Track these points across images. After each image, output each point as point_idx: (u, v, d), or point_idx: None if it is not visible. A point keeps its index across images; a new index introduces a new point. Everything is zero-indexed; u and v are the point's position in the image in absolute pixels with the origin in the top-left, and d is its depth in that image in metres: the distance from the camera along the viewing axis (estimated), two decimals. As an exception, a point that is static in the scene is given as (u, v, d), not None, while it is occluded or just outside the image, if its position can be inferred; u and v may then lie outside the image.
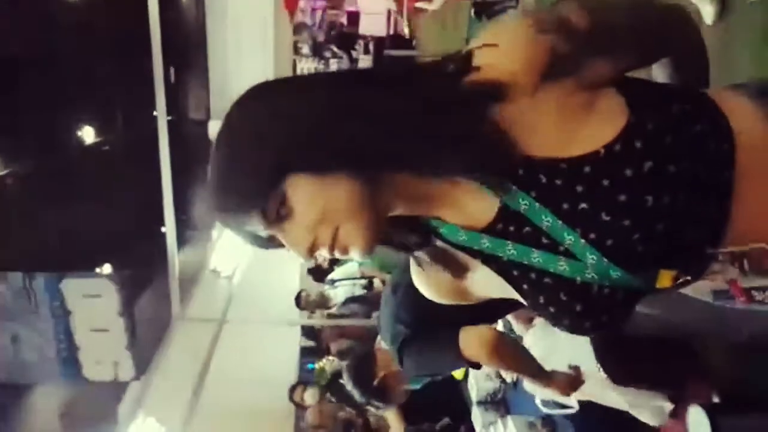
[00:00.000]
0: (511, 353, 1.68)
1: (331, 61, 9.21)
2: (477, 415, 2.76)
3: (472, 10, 2.89)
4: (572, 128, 0.80)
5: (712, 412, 1.03)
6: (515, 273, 0.86)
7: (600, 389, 1.62)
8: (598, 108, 0.81)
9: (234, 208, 0.77)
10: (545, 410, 1.96)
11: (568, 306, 0.84)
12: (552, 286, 0.84)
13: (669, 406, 1.35)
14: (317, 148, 0.75)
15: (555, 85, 0.79)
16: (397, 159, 0.78)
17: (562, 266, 0.83)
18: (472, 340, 1.59)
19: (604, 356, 1.08)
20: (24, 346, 3.99)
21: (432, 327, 1.58)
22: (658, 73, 0.95)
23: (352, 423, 4.09)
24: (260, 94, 0.81)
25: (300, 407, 4.67)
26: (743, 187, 0.82)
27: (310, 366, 6.57)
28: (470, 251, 0.86)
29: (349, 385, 2.24)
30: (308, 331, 6.78)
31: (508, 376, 2.54)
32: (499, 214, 0.83)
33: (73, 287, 3.93)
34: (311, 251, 0.79)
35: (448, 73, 0.81)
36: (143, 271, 4.61)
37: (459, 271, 0.90)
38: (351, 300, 5.37)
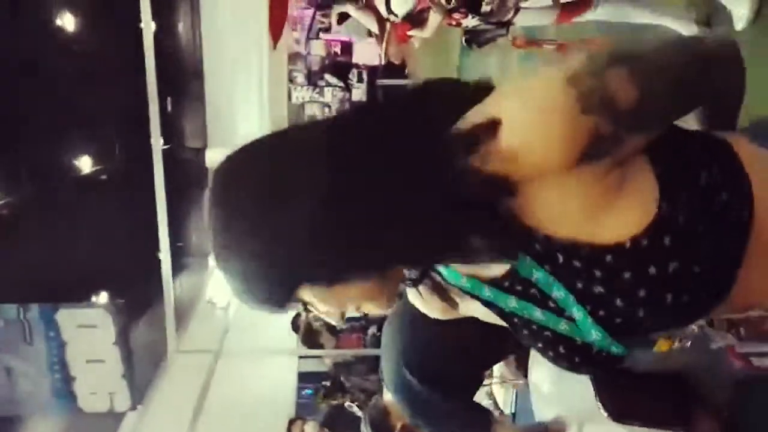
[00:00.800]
0: None
1: (326, 89, 9.29)
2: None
3: (463, 39, 2.91)
4: (599, 213, 0.73)
5: None
6: (515, 320, 0.84)
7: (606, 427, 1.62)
8: (628, 189, 0.73)
9: (254, 304, 0.76)
10: None
11: (567, 357, 0.83)
12: (552, 339, 0.83)
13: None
14: (322, 264, 0.70)
15: (588, 168, 0.71)
16: (407, 258, 0.76)
17: (564, 327, 0.81)
18: None
19: (602, 393, 1.07)
20: (18, 379, 3.94)
21: (442, 379, 1.52)
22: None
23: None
24: (249, 176, 0.72)
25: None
26: (751, 255, 0.77)
27: (308, 392, 6.52)
28: (470, 294, 0.85)
29: None
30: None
31: (507, 409, 2.51)
32: (508, 274, 0.80)
33: (68, 318, 3.89)
34: (342, 319, 0.82)
35: (462, 154, 0.69)
36: (139, 300, 4.58)
37: (454, 305, 0.89)
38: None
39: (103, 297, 5.02)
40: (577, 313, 0.78)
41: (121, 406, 3.97)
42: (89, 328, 3.92)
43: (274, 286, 0.73)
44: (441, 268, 0.85)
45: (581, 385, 1.59)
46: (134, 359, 3.99)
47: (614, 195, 0.73)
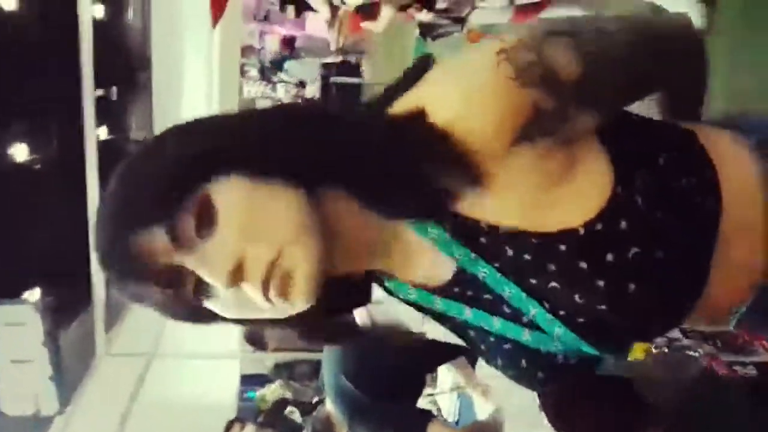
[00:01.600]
0: None
1: (279, 86, 9.12)
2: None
3: (417, 31, 2.88)
4: (547, 199, 0.66)
5: None
6: (471, 333, 0.76)
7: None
8: (578, 171, 0.67)
9: (128, 229, 0.58)
10: None
11: (529, 372, 0.75)
12: (512, 352, 0.75)
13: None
14: (253, 146, 0.62)
15: (530, 148, 0.64)
16: (338, 174, 0.65)
17: (525, 337, 0.72)
18: None
19: (546, 401, 1.02)
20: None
21: (382, 387, 1.48)
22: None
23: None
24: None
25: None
26: (723, 251, 0.72)
27: (250, 394, 6.35)
28: (420, 309, 0.76)
29: None
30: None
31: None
32: (455, 277, 0.72)
33: (-4, 315, 3.70)
34: (235, 276, 0.59)
35: (393, 139, 0.65)
36: (72, 298, 4.37)
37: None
38: None
39: (35, 294, 4.78)
40: (534, 309, 0.70)
41: (47, 409, 3.77)
42: (17, 326, 3.73)
43: (181, 166, 0.59)
44: (387, 284, 0.75)
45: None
46: (63, 360, 3.80)
47: (563, 177, 0.66)
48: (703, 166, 0.73)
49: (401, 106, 0.66)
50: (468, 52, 0.69)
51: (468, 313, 0.73)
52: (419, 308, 0.76)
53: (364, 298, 0.76)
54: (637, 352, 0.74)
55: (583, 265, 0.67)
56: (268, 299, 0.61)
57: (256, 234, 0.60)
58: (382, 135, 0.65)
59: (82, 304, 4.57)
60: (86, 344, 4.30)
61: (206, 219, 0.59)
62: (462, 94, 0.63)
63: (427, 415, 1.66)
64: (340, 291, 0.69)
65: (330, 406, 1.66)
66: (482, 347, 0.77)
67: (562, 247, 0.67)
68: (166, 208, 0.59)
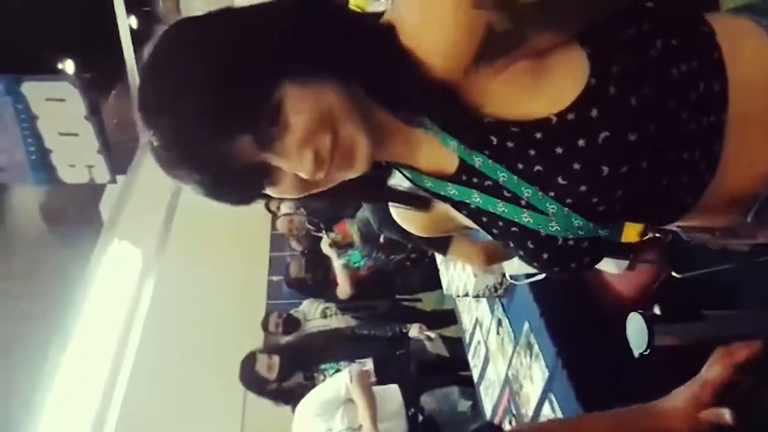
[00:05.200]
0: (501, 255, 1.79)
1: None
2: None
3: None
4: (521, 94, 0.71)
5: (650, 320, 1.10)
6: (484, 219, 0.84)
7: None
8: (552, 68, 0.70)
9: (211, 140, 0.67)
10: (515, 282, 2.09)
11: (536, 253, 0.83)
12: (519, 234, 0.83)
13: (625, 261, 1.46)
14: (303, 54, 0.69)
15: (491, 66, 0.69)
16: (353, 70, 0.72)
17: (526, 218, 0.80)
18: (468, 250, 1.66)
19: None
20: (-7, 148, 3.95)
21: None
22: None
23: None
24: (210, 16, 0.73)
25: (274, 215, 4.81)
26: (735, 133, 0.74)
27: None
28: (439, 197, 0.84)
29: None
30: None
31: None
32: (460, 166, 0.79)
33: (34, 90, 3.81)
34: (317, 163, 0.71)
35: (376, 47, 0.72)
36: (105, 73, 4.42)
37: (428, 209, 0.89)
38: None
39: (68, 67, 4.84)
40: (526, 190, 0.77)
41: (100, 178, 4.04)
42: (58, 102, 3.85)
43: (255, 79, 0.67)
44: (406, 173, 0.83)
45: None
46: (108, 133, 3.97)
47: (535, 76, 0.71)
48: (708, 50, 0.73)
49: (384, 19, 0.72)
50: None
51: (477, 198, 0.81)
52: (436, 195, 0.84)
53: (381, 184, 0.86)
54: (630, 234, 0.79)
55: (559, 150, 0.73)
56: (329, 176, 0.73)
57: (317, 127, 0.70)
58: (373, 40, 0.72)
59: (117, 76, 4.63)
60: (129, 119, 4.45)
61: (281, 121, 0.69)
62: (420, 13, 0.69)
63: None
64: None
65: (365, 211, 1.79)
66: (495, 231, 0.85)
67: (538, 135, 0.73)
68: (251, 118, 0.67)
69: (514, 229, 0.82)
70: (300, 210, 4.53)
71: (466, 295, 2.39)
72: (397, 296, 4.44)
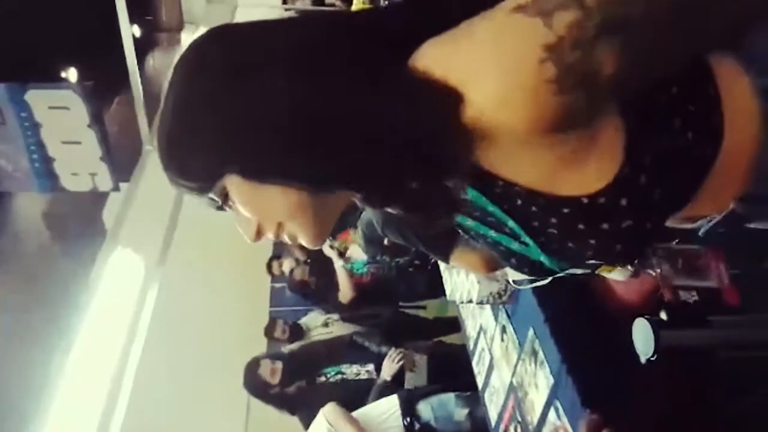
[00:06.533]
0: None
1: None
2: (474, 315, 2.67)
3: None
4: (562, 169, 0.72)
5: (656, 326, 1.10)
6: (472, 233, 0.90)
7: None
8: (594, 144, 0.70)
9: (184, 182, 0.72)
10: (518, 287, 2.05)
11: (518, 267, 0.91)
12: (505, 252, 0.89)
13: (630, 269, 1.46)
14: (254, 154, 0.67)
15: (556, 137, 0.67)
16: (354, 181, 0.70)
17: (516, 246, 0.86)
18: (470, 258, 1.66)
19: None
20: (-3, 156, 3.96)
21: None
22: None
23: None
24: (223, 50, 0.69)
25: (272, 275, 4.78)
26: (709, 182, 0.79)
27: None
28: None
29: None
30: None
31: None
32: (467, 202, 0.82)
33: (38, 98, 3.82)
34: (257, 238, 0.76)
35: (417, 97, 0.64)
36: (108, 81, 4.43)
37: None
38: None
39: (71, 75, 4.85)
40: (529, 241, 0.82)
41: (103, 186, 4.05)
42: (61, 110, 3.86)
43: (205, 159, 0.69)
44: None
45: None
46: (111, 141, 3.98)
47: (582, 156, 0.71)
48: (713, 116, 0.76)
49: (431, 59, 0.64)
50: (514, 24, 0.61)
51: (469, 222, 0.86)
52: None
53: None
54: (605, 271, 0.93)
55: (581, 226, 0.76)
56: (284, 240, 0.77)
57: (259, 215, 0.74)
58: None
59: (120, 84, 4.65)
60: (132, 125, 4.46)
61: (229, 201, 0.73)
62: (498, 87, 0.60)
63: (455, 238, 1.74)
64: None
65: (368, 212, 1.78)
66: (480, 241, 0.91)
67: (566, 210, 0.75)
68: (203, 186, 0.72)
69: (501, 248, 0.87)
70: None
71: (470, 301, 2.38)
72: (401, 303, 4.43)
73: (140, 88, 4.04)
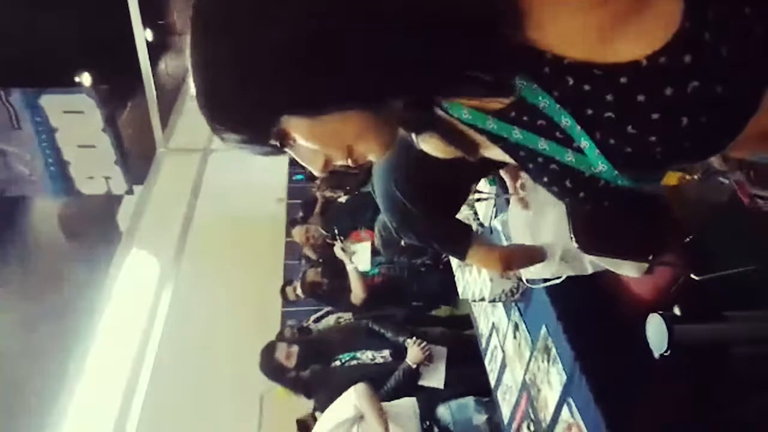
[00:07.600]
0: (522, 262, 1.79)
1: None
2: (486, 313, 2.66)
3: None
4: (615, 31, 0.66)
5: (670, 321, 1.09)
6: (522, 153, 0.81)
7: (580, 261, 1.73)
8: (648, 4, 0.65)
9: (234, 135, 0.70)
10: (531, 286, 2.07)
11: (572, 191, 0.81)
12: (558, 172, 0.80)
13: (645, 264, 1.45)
14: (308, 90, 0.66)
15: None
16: (400, 88, 0.68)
17: (570, 159, 0.77)
18: (486, 257, 1.66)
19: (576, 225, 1.09)
20: (12, 159, 4.01)
21: (428, 200, 1.55)
22: None
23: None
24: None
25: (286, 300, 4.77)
26: None
27: (298, 177, 6.70)
28: (475, 128, 0.81)
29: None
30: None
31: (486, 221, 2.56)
32: (513, 104, 0.75)
33: (53, 103, 3.86)
34: (325, 169, 0.75)
35: None
36: (122, 85, 4.47)
37: (474, 149, 0.85)
38: None
39: (85, 79, 4.89)
40: (585, 142, 0.74)
41: (118, 189, 4.09)
42: (76, 114, 3.90)
43: (255, 108, 0.67)
44: (444, 104, 0.80)
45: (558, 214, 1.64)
46: (125, 145, 4.02)
47: (633, 10, 0.66)
48: None
49: None
50: None
51: (517, 134, 0.78)
52: (473, 126, 0.81)
53: (430, 119, 0.83)
54: (671, 179, 0.82)
55: (641, 97, 0.68)
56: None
57: (328, 145, 0.72)
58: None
59: (133, 88, 4.69)
60: (145, 129, 4.50)
61: (287, 138, 0.71)
62: None
63: (470, 230, 1.74)
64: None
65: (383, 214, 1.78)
66: (530, 166, 0.82)
67: (623, 79, 0.68)
68: (259, 135, 0.71)
69: (553, 166, 0.79)
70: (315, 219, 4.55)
71: (482, 299, 2.38)
72: (414, 303, 4.44)
73: (154, 91, 4.08)
